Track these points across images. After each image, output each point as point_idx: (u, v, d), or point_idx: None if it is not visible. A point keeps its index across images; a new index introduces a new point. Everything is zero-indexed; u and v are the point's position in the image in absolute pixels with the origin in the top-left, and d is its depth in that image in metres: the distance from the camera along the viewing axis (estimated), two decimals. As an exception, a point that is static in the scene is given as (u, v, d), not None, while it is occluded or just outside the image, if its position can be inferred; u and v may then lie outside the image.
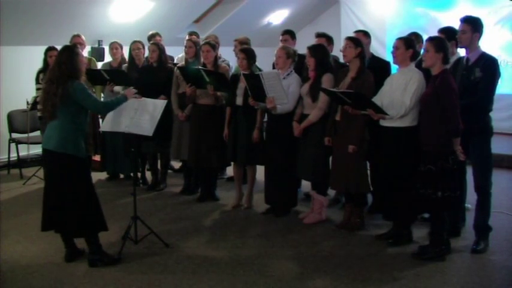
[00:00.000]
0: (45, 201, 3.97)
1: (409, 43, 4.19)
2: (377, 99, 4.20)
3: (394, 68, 4.62)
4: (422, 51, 4.40)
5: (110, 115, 4.47)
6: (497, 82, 4.15)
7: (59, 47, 6.05)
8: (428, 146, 3.94)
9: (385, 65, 5.04)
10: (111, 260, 3.99)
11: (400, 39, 4.23)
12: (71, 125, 3.86)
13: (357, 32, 5.32)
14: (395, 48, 4.19)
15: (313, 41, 5.24)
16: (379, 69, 4.75)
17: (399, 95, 4.09)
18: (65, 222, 3.88)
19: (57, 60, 3.90)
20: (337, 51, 4.95)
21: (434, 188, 3.91)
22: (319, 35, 5.35)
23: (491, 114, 4.23)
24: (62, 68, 3.83)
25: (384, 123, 4.20)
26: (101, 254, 3.97)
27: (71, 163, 3.84)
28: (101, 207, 4.00)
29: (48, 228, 3.99)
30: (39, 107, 6.08)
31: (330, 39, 5.35)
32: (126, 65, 6.18)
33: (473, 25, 4.11)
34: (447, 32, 4.49)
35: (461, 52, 4.51)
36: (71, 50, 3.96)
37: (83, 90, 3.86)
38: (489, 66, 4.08)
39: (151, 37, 6.53)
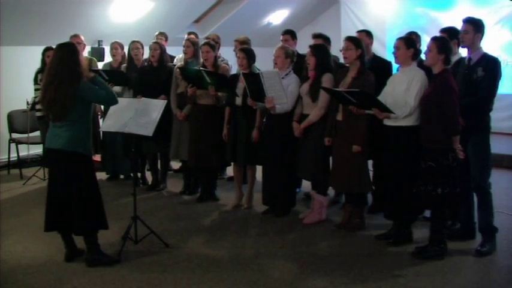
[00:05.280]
0: (49, 201, 3.94)
1: (409, 42, 4.19)
2: (380, 99, 4.19)
3: (395, 67, 4.62)
4: (422, 50, 4.40)
5: (110, 115, 4.47)
6: (498, 82, 4.16)
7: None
8: (428, 143, 3.96)
9: (387, 65, 5.02)
10: (111, 260, 3.97)
11: (400, 39, 4.23)
12: (80, 124, 3.83)
13: (360, 32, 5.28)
14: (396, 48, 4.19)
15: (313, 41, 5.23)
16: (380, 69, 4.75)
17: (402, 95, 4.10)
18: (71, 221, 3.87)
19: (59, 60, 3.76)
20: (337, 51, 4.94)
21: (434, 185, 3.92)
22: (316, 36, 5.33)
23: (491, 113, 4.24)
24: (70, 68, 3.73)
25: (388, 122, 4.20)
26: (99, 253, 3.96)
27: (79, 161, 3.84)
28: (104, 205, 4.01)
29: (51, 228, 3.97)
30: (37, 107, 6.10)
31: (327, 40, 5.32)
32: (125, 65, 6.18)
33: (475, 25, 4.12)
34: (449, 31, 4.52)
35: (463, 52, 4.51)
36: (74, 49, 3.81)
37: (91, 88, 3.84)
38: (491, 66, 4.10)
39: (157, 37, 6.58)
